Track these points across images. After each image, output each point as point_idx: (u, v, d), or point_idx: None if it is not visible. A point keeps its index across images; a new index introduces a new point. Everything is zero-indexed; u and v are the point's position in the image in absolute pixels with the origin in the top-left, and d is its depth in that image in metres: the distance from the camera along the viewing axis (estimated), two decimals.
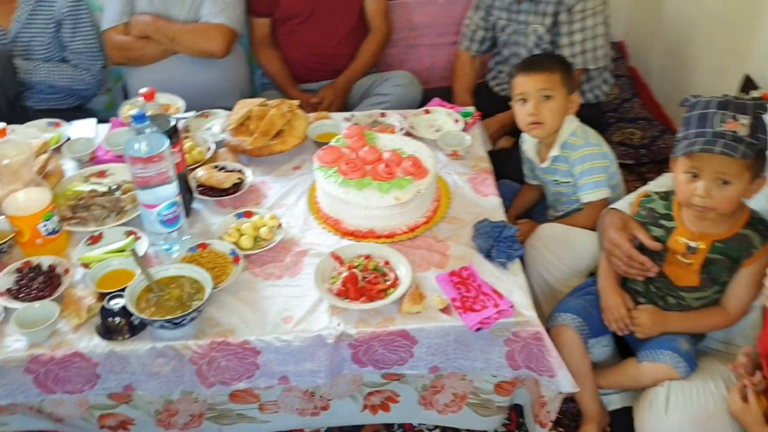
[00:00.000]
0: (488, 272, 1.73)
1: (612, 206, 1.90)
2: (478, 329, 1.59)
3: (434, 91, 2.69)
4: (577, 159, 2.06)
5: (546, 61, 2.08)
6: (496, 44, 2.75)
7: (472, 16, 2.74)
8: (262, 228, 1.82)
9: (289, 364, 1.62)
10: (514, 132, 2.58)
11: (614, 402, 1.86)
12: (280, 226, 1.85)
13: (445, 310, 1.64)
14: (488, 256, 1.77)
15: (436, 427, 1.89)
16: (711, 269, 1.68)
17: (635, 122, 2.97)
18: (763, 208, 1.68)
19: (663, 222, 1.74)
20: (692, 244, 1.68)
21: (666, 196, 1.78)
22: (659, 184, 1.91)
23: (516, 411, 1.92)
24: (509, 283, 1.70)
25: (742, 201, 1.61)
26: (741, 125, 1.50)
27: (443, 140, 2.17)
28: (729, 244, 1.66)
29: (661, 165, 2.76)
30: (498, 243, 1.78)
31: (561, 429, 1.86)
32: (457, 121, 2.28)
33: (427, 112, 2.35)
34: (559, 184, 2.14)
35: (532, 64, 2.06)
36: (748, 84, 2.30)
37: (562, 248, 1.97)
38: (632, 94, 3.12)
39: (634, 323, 1.76)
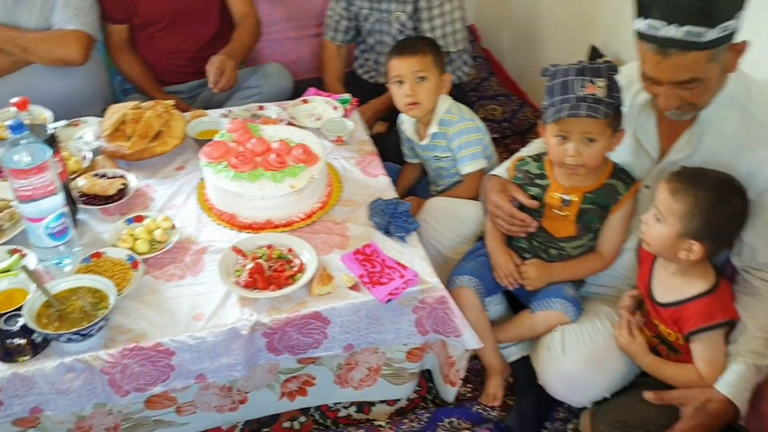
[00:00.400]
0: (389, 247, 1.80)
1: (491, 172, 2.03)
2: (388, 301, 1.66)
3: (304, 82, 2.73)
4: (454, 134, 2.17)
5: (418, 44, 2.18)
6: (361, 33, 2.83)
7: (334, 6, 2.80)
8: (156, 231, 1.79)
9: (204, 361, 1.61)
10: (387, 116, 2.68)
11: (513, 353, 1.99)
12: (174, 227, 1.83)
13: (354, 287, 1.69)
14: (387, 232, 1.84)
15: (352, 403, 1.94)
16: (585, 218, 1.85)
17: (495, 99, 3.16)
18: (623, 160, 1.85)
19: (538, 181, 1.88)
20: (566, 197, 1.83)
21: (538, 157, 1.93)
22: (530, 149, 2.06)
23: (425, 377, 2.01)
24: (410, 255, 1.78)
25: (605, 154, 1.78)
26: (599, 88, 1.65)
27: (326, 127, 2.22)
28: (598, 194, 1.82)
29: (524, 135, 2.96)
30: (394, 219, 1.86)
31: (469, 385, 1.96)
32: (336, 108, 2.34)
33: (306, 102, 2.38)
34: (439, 159, 2.25)
35: (405, 48, 2.15)
36: (594, 54, 2.53)
37: (449, 219, 2.07)
38: (489, 73, 3.31)
39: (522, 277, 1.90)
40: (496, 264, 1.93)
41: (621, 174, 1.84)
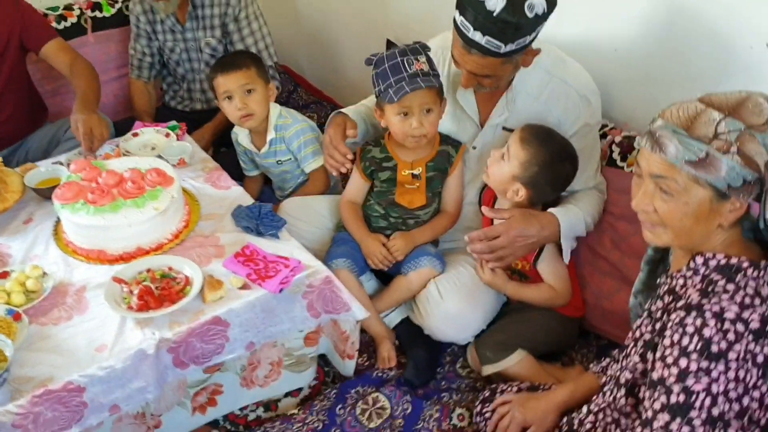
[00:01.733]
0: (266, 246, 1.90)
1: (339, 110, 2.18)
2: (281, 290, 1.76)
3: (122, 123, 2.71)
4: (292, 136, 2.32)
5: (239, 58, 2.30)
6: (167, 66, 2.88)
7: (135, 45, 2.83)
8: (28, 281, 1.75)
9: (115, 390, 1.61)
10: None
11: (394, 320, 2.17)
12: (44, 274, 1.79)
13: (244, 287, 1.78)
14: (259, 233, 1.94)
15: (258, 405, 2.00)
16: (432, 186, 2.08)
17: (308, 107, 3.34)
18: (448, 128, 2.11)
19: (386, 164, 2.08)
20: (415, 171, 2.05)
21: (377, 142, 2.12)
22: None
23: (319, 364, 2.12)
24: (288, 248, 1.90)
25: None
26: (423, 63, 1.89)
27: (166, 153, 2.26)
28: (437, 161, 2.06)
29: None
30: (261, 220, 1.97)
31: (364, 355, 2.11)
32: (168, 135, 2.38)
33: (136, 135, 2.39)
34: (282, 163, 2.38)
35: (228, 65, 2.26)
36: (391, 46, 2.79)
37: (308, 214, 2.22)
38: (294, 85, 3.48)
39: (392, 251, 2.08)
40: (369, 253, 2.09)
41: (448, 140, 2.09)
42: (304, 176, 2.40)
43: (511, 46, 1.72)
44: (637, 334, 1.43)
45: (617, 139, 2.06)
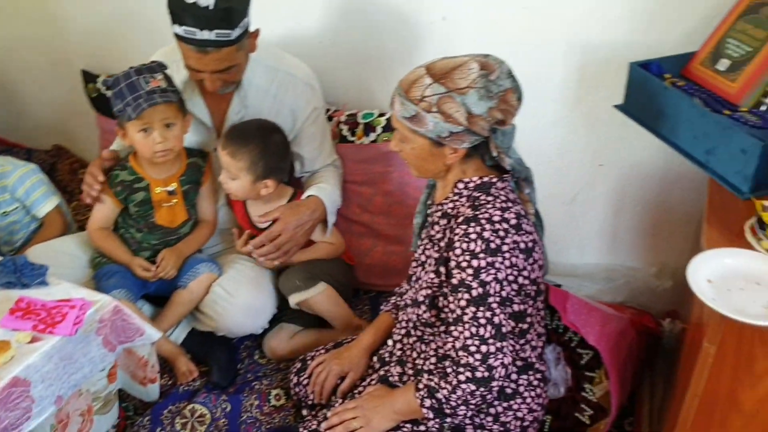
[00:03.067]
0: (39, 295, 1.79)
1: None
2: (76, 331, 1.69)
3: None
4: (15, 182, 2.19)
5: None
6: None
7: None
8: None
9: None
10: None
11: (180, 335, 2.18)
12: None
13: (33, 340, 1.66)
14: (24, 285, 1.81)
15: None
16: (189, 199, 2.14)
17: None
18: (188, 140, 2.17)
19: (137, 185, 2.08)
20: (169, 188, 2.08)
21: (124, 166, 2.10)
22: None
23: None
24: (62, 290, 1.79)
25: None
26: (160, 81, 1.94)
27: None
28: (188, 174, 2.12)
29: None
30: (20, 272, 1.84)
31: (166, 376, 2.10)
32: None
33: None
34: (7, 214, 2.23)
35: None
36: (87, 76, 2.71)
37: (58, 259, 2.06)
38: None
39: (165, 270, 2.09)
40: (142, 275, 2.09)
41: (193, 152, 2.16)
42: (35, 223, 2.27)
43: (237, 31, 1.87)
44: (423, 258, 1.72)
45: (342, 118, 2.33)
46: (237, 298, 2.06)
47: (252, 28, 1.97)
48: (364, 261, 2.34)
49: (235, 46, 1.89)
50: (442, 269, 1.62)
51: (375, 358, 1.87)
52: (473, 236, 1.53)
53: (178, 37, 1.87)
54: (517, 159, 1.62)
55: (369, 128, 2.30)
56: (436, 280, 1.65)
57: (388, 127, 2.27)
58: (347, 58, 2.34)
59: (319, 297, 2.10)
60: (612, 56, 1.99)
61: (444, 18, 2.15)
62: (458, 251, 1.55)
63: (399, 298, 1.93)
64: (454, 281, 1.56)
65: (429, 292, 1.66)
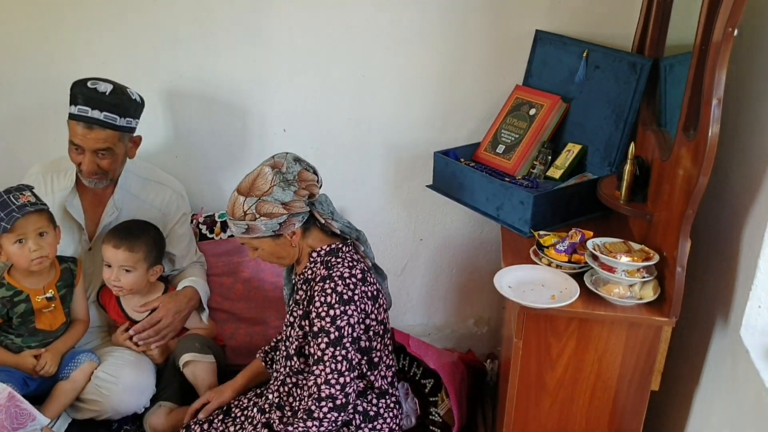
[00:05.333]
0: None
1: None
2: None
3: None
4: None
5: None
6: None
7: None
8: None
9: None
10: None
11: (62, 426, 2.29)
12: None
13: None
14: None
15: None
16: (66, 303, 2.32)
17: None
18: (63, 246, 2.39)
19: (17, 299, 2.22)
20: (48, 294, 2.27)
21: (1, 283, 2.23)
22: None
23: None
24: None
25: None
26: (29, 196, 2.15)
27: None
28: (63, 278, 2.31)
29: None
30: None
31: None
32: None
33: None
34: None
35: None
36: None
37: None
38: None
39: (45, 369, 2.23)
40: (28, 366, 2.22)
41: (64, 258, 2.35)
42: None
43: (123, 121, 2.21)
44: (291, 319, 2.07)
45: (201, 219, 2.68)
46: (121, 378, 2.25)
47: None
48: (230, 344, 2.62)
49: (118, 133, 2.22)
50: (305, 323, 1.98)
51: (255, 409, 2.14)
52: (329, 291, 1.92)
53: (71, 117, 2.19)
54: (344, 223, 2.03)
55: (225, 225, 2.67)
56: (301, 333, 2.00)
57: None
58: (201, 168, 2.72)
59: (207, 366, 2.36)
60: (419, 151, 2.57)
61: (285, 130, 2.63)
62: (317, 304, 1.92)
63: (268, 348, 2.29)
64: (315, 328, 1.91)
65: (297, 344, 2.01)
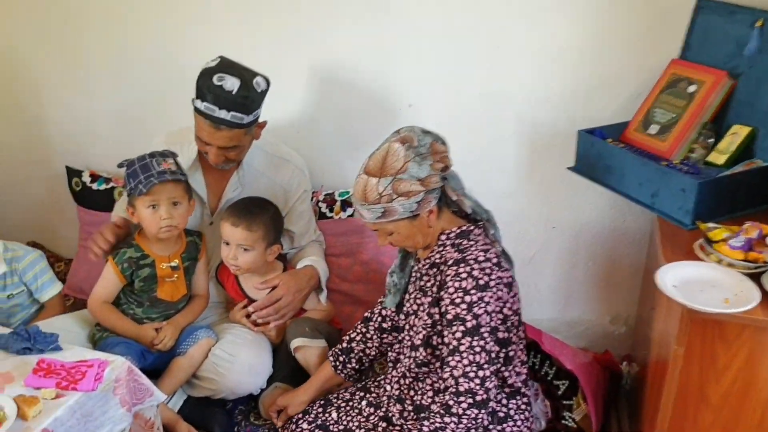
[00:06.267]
0: (57, 357, 1.88)
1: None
2: (97, 387, 1.78)
3: None
4: (26, 267, 2.31)
5: None
6: None
7: None
8: None
9: None
10: None
11: (177, 404, 2.26)
12: None
13: (57, 396, 1.74)
14: (40, 351, 1.90)
15: None
16: (188, 275, 2.28)
17: None
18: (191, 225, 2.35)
19: (143, 262, 2.20)
20: (173, 264, 2.23)
21: (130, 243, 2.22)
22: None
23: None
24: (77, 353, 1.90)
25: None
26: (171, 164, 2.12)
27: None
28: (188, 251, 2.27)
29: None
30: (35, 339, 1.93)
31: None
32: None
33: None
34: (13, 297, 2.31)
35: None
36: (71, 171, 2.87)
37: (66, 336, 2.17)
38: None
39: (164, 341, 2.20)
40: (149, 340, 2.20)
41: (191, 232, 2.31)
42: (35, 306, 2.36)
43: (250, 117, 2.11)
44: (414, 307, 1.92)
45: (321, 197, 2.58)
46: (238, 357, 2.18)
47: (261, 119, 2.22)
48: (346, 326, 2.51)
49: (244, 129, 2.13)
50: (434, 310, 1.83)
51: (363, 402, 2.04)
52: (464, 275, 1.76)
53: (198, 112, 2.10)
54: (475, 201, 1.87)
55: (345, 204, 2.55)
56: (429, 321, 1.85)
57: None
58: (323, 144, 2.61)
59: (317, 351, 2.26)
60: (557, 129, 2.35)
61: (410, 105, 2.47)
62: (451, 289, 1.76)
63: (339, 350, 2.17)
64: (449, 316, 1.76)
65: (424, 333, 1.86)
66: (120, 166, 2.14)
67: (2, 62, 2.89)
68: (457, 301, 1.74)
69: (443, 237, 1.86)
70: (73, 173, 2.86)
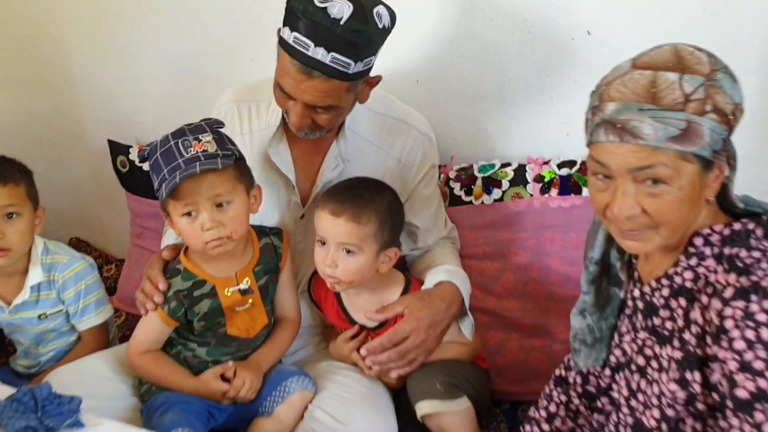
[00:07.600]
0: None
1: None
2: None
3: None
4: (69, 279, 1.71)
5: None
6: None
7: None
8: None
9: None
10: None
11: None
12: None
13: None
14: (49, 430, 1.24)
15: None
16: (268, 296, 1.58)
17: None
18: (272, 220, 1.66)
19: (197, 292, 1.50)
20: (242, 286, 1.52)
21: (176, 269, 1.53)
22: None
23: None
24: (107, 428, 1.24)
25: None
26: (207, 143, 1.40)
27: None
28: (263, 261, 1.57)
29: None
30: (44, 410, 1.27)
31: None
32: None
33: None
34: (45, 318, 1.71)
35: None
36: (115, 147, 2.20)
37: (90, 384, 1.50)
38: None
39: (240, 394, 1.51)
40: (212, 396, 1.51)
41: (264, 229, 1.62)
42: (73, 335, 1.74)
43: (359, 66, 1.36)
44: (641, 360, 1.16)
45: (451, 174, 1.82)
46: (351, 424, 1.44)
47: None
48: (495, 361, 1.76)
49: (347, 83, 1.38)
50: (691, 376, 1.06)
51: None
52: (762, 317, 0.97)
53: (284, 45, 1.37)
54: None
55: (491, 183, 1.78)
56: (681, 394, 1.08)
57: (518, 180, 1.74)
58: (453, 97, 1.84)
59: (458, 416, 1.50)
60: None
61: (589, 32, 1.66)
62: (740, 344, 0.98)
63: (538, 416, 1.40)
64: (742, 394, 0.98)
65: (672, 413, 1.09)
66: (141, 158, 1.43)
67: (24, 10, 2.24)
68: (758, 366, 0.96)
69: (698, 241, 1.10)
70: (117, 149, 2.18)
